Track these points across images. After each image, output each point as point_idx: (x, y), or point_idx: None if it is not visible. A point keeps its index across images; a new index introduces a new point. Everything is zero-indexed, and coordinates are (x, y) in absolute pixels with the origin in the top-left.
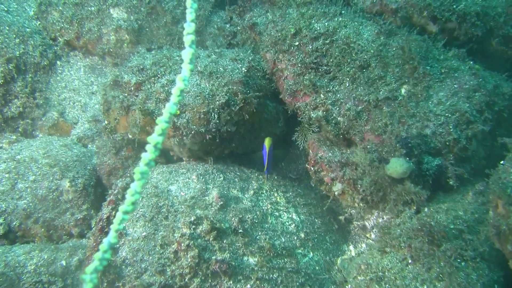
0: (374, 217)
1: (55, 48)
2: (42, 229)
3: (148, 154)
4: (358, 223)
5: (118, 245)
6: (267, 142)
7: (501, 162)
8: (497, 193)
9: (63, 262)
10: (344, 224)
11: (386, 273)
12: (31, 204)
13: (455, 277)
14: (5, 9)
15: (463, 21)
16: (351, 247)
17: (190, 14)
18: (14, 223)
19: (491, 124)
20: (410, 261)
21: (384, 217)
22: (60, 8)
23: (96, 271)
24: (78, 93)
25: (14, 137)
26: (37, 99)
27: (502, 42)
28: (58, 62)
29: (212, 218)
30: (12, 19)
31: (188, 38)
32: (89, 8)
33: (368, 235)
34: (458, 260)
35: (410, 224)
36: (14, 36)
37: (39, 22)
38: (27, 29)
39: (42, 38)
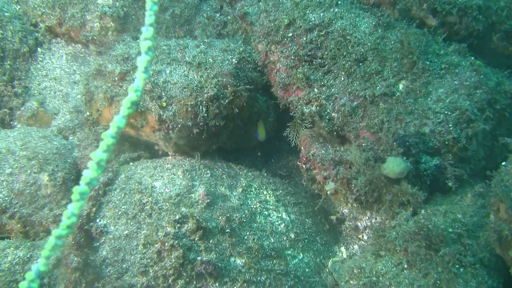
0: (367, 218)
1: (36, 34)
2: (18, 225)
3: (90, 172)
4: (350, 223)
5: (98, 244)
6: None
7: (503, 163)
8: (499, 196)
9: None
10: (335, 224)
11: (381, 278)
12: (6, 198)
13: (453, 284)
14: None
15: (464, 15)
16: (342, 248)
17: (149, 17)
18: None
19: (492, 123)
20: (406, 266)
21: (378, 217)
22: None
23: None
24: (60, 82)
25: None
26: (16, 87)
27: (503, 38)
28: (39, 49)
29: (198, 217)
30: None
31: (144, 43)
32: None
33: (360, 236)
34: (457, 266)
35: (407, 227)
36: None
37: (19, 7)
38: (6, 14)
39: (22, 24)
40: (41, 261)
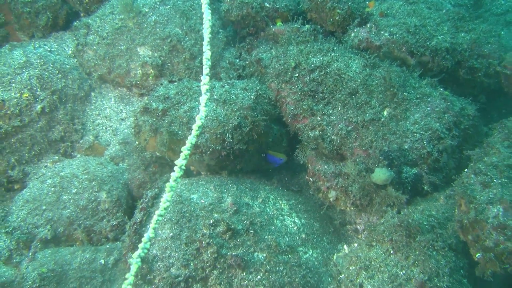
0: (364, 222)
1: (90, 81)
2: (83, 234)
3: (175, 173)
4: (351, 226)
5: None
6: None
7: (465, 170)
8: (460, 194)
9: (102, 261)
10: (339, 227)
11: (373, 262)
12: (73, 212)
13: (428, 263)
14: (48, 49)
15: (435, 55)
16: (345, 246)
17: (205, 69)
18: (59, 229)
19: (458, 140)
20: (391, 251)
21: (372, 220)
22: (95, 47)
23: (140, 257)
24: (110, 120)
25: (57, 157)
26: (76, 125)
27: (468, 73)
28: (92, 93)
29: (227, 221)
30: (54, 57)
31: (204, 87)
32: (119, 47)
33: (359, 237)
34: (430, 250)
35: (392, 222)
36: (57, 72)
37: (76, 60)
38: (67, 66)
39: (79, 73)
40: (150, 230)
